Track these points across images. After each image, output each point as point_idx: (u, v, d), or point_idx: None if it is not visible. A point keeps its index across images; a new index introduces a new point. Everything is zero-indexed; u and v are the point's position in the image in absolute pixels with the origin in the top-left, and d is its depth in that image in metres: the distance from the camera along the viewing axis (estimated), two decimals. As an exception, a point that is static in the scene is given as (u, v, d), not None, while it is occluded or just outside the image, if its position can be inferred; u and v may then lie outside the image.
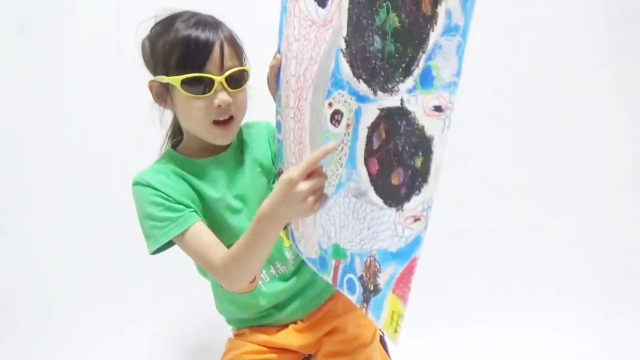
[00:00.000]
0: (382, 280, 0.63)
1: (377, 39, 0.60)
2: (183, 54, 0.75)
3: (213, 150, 0.85)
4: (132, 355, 1.33)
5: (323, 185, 0.67)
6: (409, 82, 0.56)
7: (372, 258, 0.65)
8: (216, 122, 0.79)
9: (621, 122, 1.58)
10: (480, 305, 1.43)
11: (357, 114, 0.66)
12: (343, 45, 0.67)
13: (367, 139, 0.64)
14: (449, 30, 0.50)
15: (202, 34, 0.74)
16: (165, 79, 0.77)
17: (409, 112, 0.57)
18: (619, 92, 1.56)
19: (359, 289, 0.68)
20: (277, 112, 0.86)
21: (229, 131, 0.81)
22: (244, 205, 0.86)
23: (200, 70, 0.74)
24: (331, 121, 0.71)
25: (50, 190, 1.44)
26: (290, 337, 0.90)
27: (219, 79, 0.75)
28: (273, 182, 0.89)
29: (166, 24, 0.78)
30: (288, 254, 0.90)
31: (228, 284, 0.79)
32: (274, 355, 0.89)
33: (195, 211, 0.80)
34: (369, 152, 0.64)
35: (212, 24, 0.78)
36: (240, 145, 0.89)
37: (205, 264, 0.78)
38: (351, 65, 0.66)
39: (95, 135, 1.43)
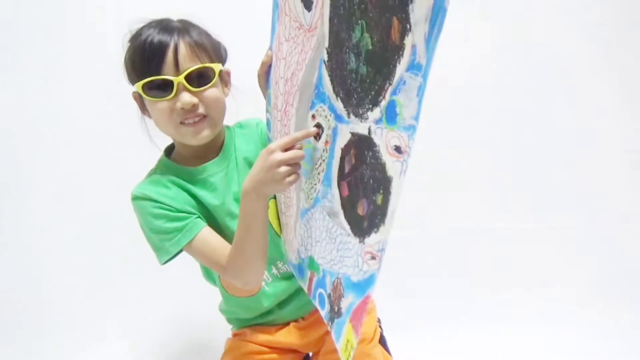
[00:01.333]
0: (344, 305, 0.63)
1: (353, 57, 0.57)
2: (139, 59, 0.76)
3: (205, 156, 0.85)
4: (132, 355, 1.36)
5: (299, 161, 0.68)
6: (376, 112, 0.53)
7: (338, 280, 0.65)
8: (184, 124, 0.78)
9: (621, 122, 1.58)
10: (480, 305, 1.42)
11: (334, 132, 0.63)
12: (326, 57, 0.64)
13: (340, 160, 0.63)
14: (413, 67, 0.46)
15: (156, 37, 0.75)
16: (135, 87, 0.78)
17: (375, 145, 0.54)
18: (620, 91, 1.56)
19: (327, 306, 0.69)
20: (267, 110, 0.85)
21: (199, 128, 0.79)
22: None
23: (157, 73, 0.75)
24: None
25: (48, 190, 1.47)
26: (291, 336, 0.92)
27: (176, 79, 0.75)
28: None
29: (134, 34, 0.79)
30: None
31: (241, 280, 0.79)
32: (274, 355, 0.91)
33: (199, 217, 0.81)
34: (341, 175, 0.63)
35: (170, 28, 0.77)
36: (231, 148, 0.88)
37: (216, 267, 0.80)
38: (331, 81, 0.63)
39: (95, 135, 1.46)
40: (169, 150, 0.88)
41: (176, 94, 0.75)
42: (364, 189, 0.57)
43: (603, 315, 1.38)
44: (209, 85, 0.78)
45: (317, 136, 0.68)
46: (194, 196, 0.83)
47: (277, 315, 0.92)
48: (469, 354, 1.28)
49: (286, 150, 0.66)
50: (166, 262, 0.81)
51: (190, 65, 0.76)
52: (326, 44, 0.63)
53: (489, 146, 1.55)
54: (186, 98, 0.75)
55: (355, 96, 0.57)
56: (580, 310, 1.40)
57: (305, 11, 0.68)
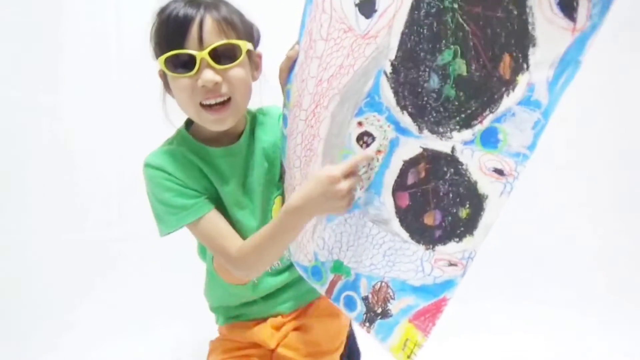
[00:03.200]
0: (394, 307, 0.68)
1: (435, 78, 0.61)
2: (163, 33, 0.73)
3: (224, 140, 0.82)
4: (132, 355, 1.35)
5: (356, 187, 0.70)
6: (467, 134, 0.59)
7: (383, 284, 0.70)
8: (205, 106, 0.74)
9: (621, 122, 1.71)
10: (479, 305, 1.47)
11: (393, 143, 0.67)
12: (389, 69, 0.66)
13: (400, 171, 0.67)
14: (528, 102, 0.54)
15: (182, 11, 0.71)
16: (157, 62, 0.73)
17: (460, 163, 0.60)
18: (617, 91, 1.69)
19: (360, 307, 0.73)
20: (284, 106, 0.82)
21: (223, 115, 0.76)
22: (249, 201, 0.84)
23: (180, 47, 0.71)
24: (358, 141, 0.71)
25: (49, 189, 1.49)
26: (262, 332, 0.91)
27: (199, 54, 0.71)
28: (280, 179, 0.87)
29: (161, 8, 0.74)
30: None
31: (244, 273, 0.79)
32: (252, 351, 0.91)
33: (208, 198, 0.79)
34: (400, 185, 0.67)
35: (198, 2, 0.73)
36: (251, 135, 0.85)
37: (221, 251, 0.78)
38: (396, 94, 0.66)
39: (95, 135, 1.49)
40: (189, 123, 0.84)
41: (199, 71, 0.71)
42: (438, 202, 0.63)
43: (604, 315, 1.48)
44: (235, 63, 0.73)
45: (365, 144, 0.70)
46: (205, 176, 0.80)
47: (260, 307, 0.92)
48: (470, 354, 1.35)
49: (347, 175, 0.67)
50: (166, 234, 0.80)
51: (215, 40, 0.71)
52: (391, 57, 0.66)
53: None
54: (209, 75, 0.71)
55: (435, 114, 0.62)
56: (579, 310, 1.49)
57: (361, 16, 0.69)
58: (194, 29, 0.70)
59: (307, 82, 0.76)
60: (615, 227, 1.72)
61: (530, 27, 0.52)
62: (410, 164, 0.66)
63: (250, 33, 0.79)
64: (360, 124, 0.70)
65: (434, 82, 0.61)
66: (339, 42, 0.72)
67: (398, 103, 0.66)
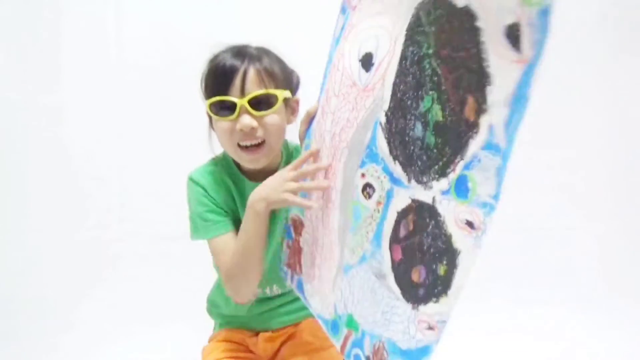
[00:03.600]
0: None
1: (419, 126, 0.59)
2: (211, 80, 0.84)
3: (261, 175, 0.88)
4: (132, 354, 1.38)
5: (312, 186, 0.78)
6: (444, 183, 0.55)
7: (381, 344, 0.65)
8: (242, 147, 0.85)
9: (620, 121, 1.67)
10: (478, 305, 1.42)
11: (389, 194, 0.65)
12: (383, 120, 0.66)
13: (395, 223, 0.64)
14: (490, 146, 0.49)
15: (229, 62, 0.82)
16: (204, 103, 0.86)
17: (438, 214, 0.56)
18: (619, 92, 1.65)
19: None
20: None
21: (257, 156, 0.86)
22: (269, 234, 0.88)
23: (224, 94, 0.81)
24: (362, 192, 0.71)
25: (49, 189, 1.51)
26: (256, 347, 0.98)
27: (240, 102, 0.80)
28: None
29: (211, 57, 0.86)
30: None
31: (232, 290, 0.87)
32: (250, 355, 0.98)
33: (232, 220, 0.89)
34: (394, 238, 0.64)
35: (243, 53, 0.84)
36: None
37: (221, 267, 0.87)
38: (389, 143, 0.65)
39: (96, 135, 1.51)
40: None
41: (238, 116, 0.82)
42: (422, 257, 0.58)
43: (603, 316, 1.43)
44: (270, 111, 0.83)
45: (368, 195, 0.69)
46: (234, 202, 0.91)
47: (254, 320, 0.98)
48: (469, 354, 1.32)
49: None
50: (195, 239, 0.91)
51: (255, 89, 0.81)
52: (385, 107, 0.66)
53: None
54: (246, 120, 0.81)
55: (420, 163, 0.59)
56: (579, 310, 1.46)
57: (362, 71, 0.71)
58: (238, 79, 0.81)
59: (325, 137, 0.79)
60: (614, 227, 1.66)
61: (485, 65, 0.48)
62: (401, 216, 0.63)
63: (289, 80, 0.89)
64: (363, 175, 0.70)
65: (418, 130, 0.59)
66: (346, 97, 0.74)
67: (390, 153, 0.65)
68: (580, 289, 1.52)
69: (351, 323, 0.74)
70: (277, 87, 0.84)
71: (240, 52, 0.83)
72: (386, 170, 0.66)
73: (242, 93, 0.81)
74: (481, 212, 0.50)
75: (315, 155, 0.80)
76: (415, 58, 0.60)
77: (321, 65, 0.82)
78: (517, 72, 0.45)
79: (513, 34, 0.45)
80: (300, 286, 0.89)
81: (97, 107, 1.47)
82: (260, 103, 0.82)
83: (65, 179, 1.50)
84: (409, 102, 0.61)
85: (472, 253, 0.51)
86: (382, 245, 0.66)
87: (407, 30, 0.61)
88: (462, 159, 0.52)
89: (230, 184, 0.91)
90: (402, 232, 0.62)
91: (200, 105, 0.88)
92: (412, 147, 0.60)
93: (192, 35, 1.43)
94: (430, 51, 0.57)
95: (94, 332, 1.41)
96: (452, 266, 0.53)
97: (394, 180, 0.64)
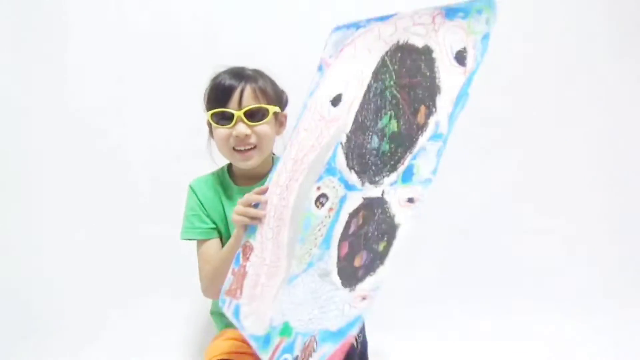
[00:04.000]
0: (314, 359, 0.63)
1: (376, 139, 0.71)
2: (213, 95, 1.01)
3: (249, 181, 1.07)
4: (133, 355, 1.37)
5: (250, 212, 0.89)
6: (393, 176, 0.65)
7: (312, 338, 0.66)
8: (236, 150, 1.01)
9: (616, 125, 1.69)
10: (478, 306, 1.47)
11: (342, 200, 0.73)
12: (344, 139, 0.78)
13: (345, 223, 0.71)
14: (434, 136, 0.61)
15: (228, 81, 1.00)
16: (206, 114, 1.03)
17: (385, 202, 0.64)
18: (620, 91, 1.67)
19: None
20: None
21: (248, 157, 1.02)
22: None
23: (224, 106, 0.98)
24: (315, 203, 0.78)
25: (52, 186, 1.56)
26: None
27: (237, 113, 0.97)
28: None
29: (214, 76, 1.04)
30: None
31: (202, 287, 1.04)
32: (249, 358, 1.00)
33: (216, 229, 1.06)
34: (344, 236, 0.70)
35: (242, 74, 1.01)
36: None
37: (200, 270, 1.04)
38: (347, 157, 0.76)
39: (98, 134, 1.56)
40: (230, 165, 1.12)
41: (234, 124, 0.98)
42: (366, 242, 0.64)
43: (601, 316, 1.43)
44: (262, 122, 1.00)
45: (321, 205, 0.77)
46: (222, 207, 1.07)
47: None
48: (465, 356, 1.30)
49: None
50: (183, 239, 1.07)
51: (250, 103, 0.98)
52: (347, 131, 0.78)
53: (488, 147, 1.62)
54: (241, 128, 0.98)
55: (374, 168, 0.70)
56: (577, 311, 1.45)
57: (331, 107, 0.84)
58: (236, 94, 0.98)
59: (287, 163, 0.89)
60: (609, 230, 1.66)
61: (437, 81, 0.63)
62: (353, 215, 0.70)
63: (280, 98, 1.07)
64: (318, 188, 0.79)
65: (375, 142, 0.71)
66: (314, 130, 0.86)
67: (348, 164, 0.75)
68: (574, 292, 1.52)
69: (286, 330, 0.73)
70: (268, 104, 1.00)
71: (239, 74, 1.01)
72: (342, 179, 0.75)
73: (239, 106, 0.98)
74: (420, 187, 0.59)
75: (264, 190, 0.91)
76: (378, 91, 0.75)
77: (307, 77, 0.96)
78: (462, 79, 0.60)
79: (461, 56, 0.61)
80: (236, 312, 0.87)
81: (99, 105, 1.54)
82: (254, 115, 0.99)
83: (71, 179, 1.57)
84: (368, 123, 0.74)
85: (409, 223, 0.59)
86: (331, 245, 0.71)
87: (373, 72, 0.77)
88: (410, 153, 0.64)
89: (220, 191, 1.08)
90: (352, 229, 0.69)
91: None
92: (367, 157, 0.71)
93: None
94: (392, 83, 0.72)
95: (93, 332, 1.44)
96: (391, 239, 0.60)
97: (349, 187, 0.73)
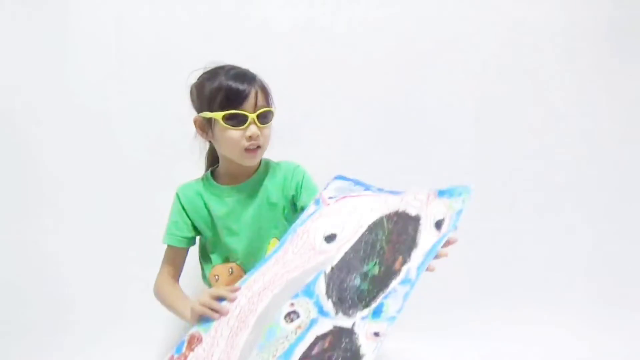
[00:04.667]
0: None
1: (358, 279, 0.83)
2: (224, 96, 1.02)
3: (236, 180, 1.12)
4: (133, 355, 1.41)
5: (214, 306, 0.91)
6: (365, 311, 0.76)
7: None
8: (247, 150, 1.05)
9: (620, 122, 1.65)
10: (477, 307, 1.49)
11: (313, 322, 0.82)
12: (328, 270, 0.89)
13: (310, 344, 0.78)
14: (405, 281, 0.75)
15: (240, 85, 1.03)
16: (208, 115, 1.04)
17: (354, 333, 0.74)
18: (618, 93, 1.64)
19: None
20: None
21: (256, 156, 1.08)
22: (240, 231, 1.11)
23: (239, 108, 1.02)
24: (285, 317, 0.85)
25: (54, 188, 1.58)
26: None
27: (252, 115, 1.03)
28: (284, 212, 1.14)
29: (211, 74, 1.06)
30: None
31: (154, 290, 1.13)
32: None
33: (192, 239, 1.14)
34: (305, 354, 0.77)
35: (247, 76, 1.06)
36: (261, 184, 1.13)
37: (159, 273, 1.13)
38: (327, 286, 0.86)
39: (99, 134, 1.58)
40: (213, 171, 1.17)
41: (247, 126, 1.03)
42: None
43: (601, 316, 1.46)
44: (269, 124, 1.07)
45: (290, 320, 0.84)
46: (206, 205, 1.12)
47: None
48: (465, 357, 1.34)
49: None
50: (165, 243, 1.14)
51: (263, 106, 1.05)
52: (333, 264, 0.90)
53: (487, 147, 1.60)
54: (254, 130, 1.03)
55: (350, 302, 0.80)
56: (577, 310, 1.48)
57: (324, 243, 0.97)
58: (252, 97, 1.02)
59: (267, 274, 0.97)
60: (610, 230, 1.64)
61: (417, 239, 0.80)
62: (320, 338, 0.78)
63: (272, 99, 1.11)
64: (292, 304, 0.87)
65: (357, 281, 0.83)
66: (302, 255, 0.98)
67: (326, 292, 0.85)
68: (569, 294, 1.51)
69: None
70: (271, 105, 1.08)
71: (245, 75, 1.05)
72: (317, 303, 0.84)
73: (254, 109, 1.03)
74: (385, 324, 0.70)
75: (235, 290, 0.95)
76: (370, 241, 0.89)
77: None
78: (434, 239, 0.76)
79: (439, 224, 0.79)
80: None
81: (101, 104, 1.55)
82: (264, 117, 1.05)
83: (81, 178, 1.58)
84: (355, 263, 0.87)
85: (372, 354, 0.68)
86: (290, 360, 0.77)
87: (370, 225, 0.93)
88: (383, 293, 0.76)
89: (205, 194, 1.13)
90: (316, 350, 0.76)
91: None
92: (347, 292, 0.82)
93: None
94: (383, 238, 0.87)
95: (92, 332, 1.49)
96: (355, 369, 0.68)
97: (322, 312, 0.82)
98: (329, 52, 1.54)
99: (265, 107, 1.05)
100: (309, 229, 1.03)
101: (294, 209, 1.16)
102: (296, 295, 0.88)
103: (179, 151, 1.35)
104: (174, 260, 1.14)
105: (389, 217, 0.91)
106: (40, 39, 1.53)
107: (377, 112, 1.58)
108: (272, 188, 1.15)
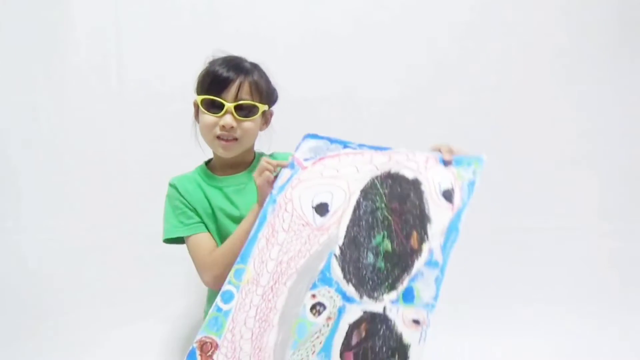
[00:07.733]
0: None
1: (371, 255, 0.85)
2: (209, 80, 1.07)
3: (233, 169, 1.15)
4: (131, 355, 1.44)
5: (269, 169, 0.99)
6: (393, 295, 0.80)
7: None
8: (219, 138, 1.07)
9: (620, 122, 1.78)
10: (477, 307, 1.55)
11: (341, 310, 0.85)
12: (337, 252, 0.90)
13: (346, 334, 0.83)
14: (430, 263, 0.78)
15: (226, 72, 1.06)
16: (195, 97, 1.10)
17: (389, 319, 0.78)
18: (618, 95, 1.76)
19: None
20: (229, 283, 0.98)
21: (229, 146, 1.09)
22: (241, 216, 1.10)
23: (218, 95, 1.05)
24: (311, 310, 0.89)
25: (48, 190, 1.64)
26: None
27: (229, 105, 1.04)
28: None
29: (213, 59, 1.11)
30: None
31: (210, 275, 1.06)
32: None
33: (202, 222, 1.11)
34: (345, 346, 0.82)
35: (241, 67, 1.08)
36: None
37: (196, 259, 1.09)
38: (343, 270, 0.88)
39: (94, 137, 1.65)
40: (209, 161, 1.20)
41: (223, 115, 1.05)
42: (375, 357, 0.77)
43: (600, 317, 1.51)
44: (249, 118, 1.08)
45: (318, 313, 0.88)
46: (206, 196, 1.12)
47: None
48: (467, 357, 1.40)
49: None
50: (166, 241, 1.13)
51: (244, 98, 1.06)
52: (340, 243, 0.91)
53: (486, 148, 1.73)
54: (228, 120, 1.05)
55: (371, 283, 0.83)
56: (576, 311, 1.53)
57: (317, 216, 0.96)
58: (233, 87, 1.04)
59: (268, 264, 0.98)
60: (620, 226, 1.74)
61: (426, 210, 0.81)
62: (354, 326, 0.83)
63: (270, 96, 1.15)
64: (314, 296, 0.90)
65: (370, 258, 0.85)
66: (298, 233, 0.97)
67: (344, 277, 0.88)
68: (574, 291, 1.61)
69: None
70: (260, 101, 1.08)
71: (238, 65, 1.07)
72: (339, 290, 0.87)
73: (234, 99, 1.04)
74: (425, 311, 0.75)
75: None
76: (369, 209, 0.90)
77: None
78: (450, 214, 0.78)
79: (448, 194, 0.79)
80: None
81: (95, 111, 1.63)
82: (244, 110, 1.06)
83: (65, 180, 1.64)
84: (362, 239, 0.88)
85: (419, 345, 0.73)
86: (332, 355, 0.82)
87: (362, 190, 0.92)
88: (408, 274, 0.79)
89: (204, 185, 1.14)
90: (355, 340, 0.81)
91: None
92: (364, 272, 0.85)
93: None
94: (383, 205, 0.88)
95: (91, 332, 1.52)
96: (404, 358, 0.74)
97: (347, 299, 0.85)
98: (331, 53, 1.67)
99: (248, 101, 1.06)
100: (292, 197, 1.01)
101: None
102: (315, 286, 0.90)
103: (179, 152, 1.37)
104: (207, 243, 1.10)
105: (380, 179, 0.90)
106: (40, 39, 1.60)
107: (384, 114, 1.70)
108: None
